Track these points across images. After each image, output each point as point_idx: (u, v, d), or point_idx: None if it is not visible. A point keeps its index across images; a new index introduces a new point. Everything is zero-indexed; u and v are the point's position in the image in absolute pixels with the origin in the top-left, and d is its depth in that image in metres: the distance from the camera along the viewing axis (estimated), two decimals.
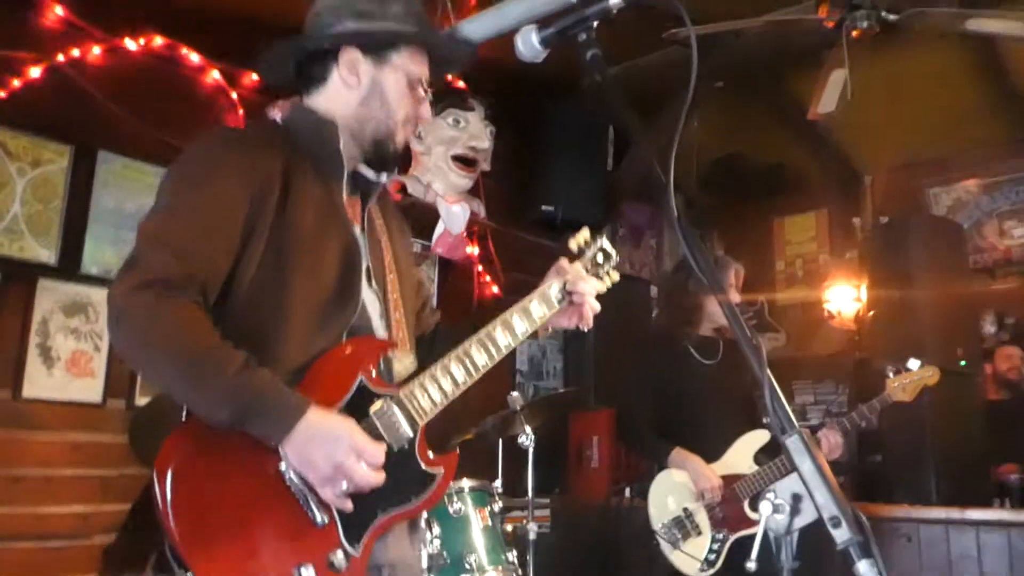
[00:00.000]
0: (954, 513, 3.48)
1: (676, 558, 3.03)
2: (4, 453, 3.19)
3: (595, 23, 1.38)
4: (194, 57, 3.82)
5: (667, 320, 3.45)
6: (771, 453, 3.03)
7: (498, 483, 3.17)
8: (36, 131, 3.39)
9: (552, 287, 1.74)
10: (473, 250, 4.89)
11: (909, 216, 4.59)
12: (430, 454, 1.54)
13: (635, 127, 1.33)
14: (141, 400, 3.52)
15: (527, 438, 3.26)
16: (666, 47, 4.31)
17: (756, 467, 3.06)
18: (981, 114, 5.14)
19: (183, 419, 1.39)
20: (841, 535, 1.03)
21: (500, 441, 3.65)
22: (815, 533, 1.12)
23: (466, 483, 2.93)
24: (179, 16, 3.72)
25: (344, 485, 1.37)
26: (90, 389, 3.43)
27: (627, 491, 4.41)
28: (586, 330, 1.80)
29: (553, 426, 4.10)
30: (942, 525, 3.48)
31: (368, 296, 1.59)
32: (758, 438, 3.10)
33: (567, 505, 4.55)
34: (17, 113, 3.32)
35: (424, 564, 2.66)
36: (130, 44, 3.64)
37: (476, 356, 1.60)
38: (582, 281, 1.75)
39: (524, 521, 3.32)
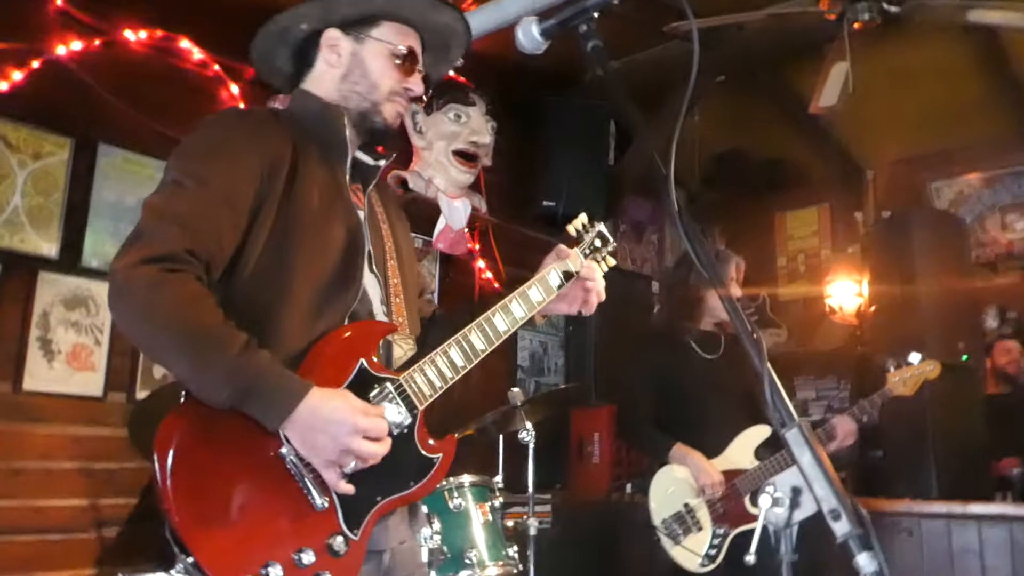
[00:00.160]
0: (956, 507, 3.47)
1: (677, 554, 3.03)
2: (4, 446, 3.19)
3: (595, 14, 1.37)
4: (194, 50, 3.81)
5: (668, 315, 3.45)
6: (772, 448, 3.03)
7: (499, 478, 3.17)
8: (37, 123, 3.39)
9: (551, 273, 1.74)
10: (474, 246, 4.89)
11: (911, 210, 4.58)
12: (429, 440, 1.54)
13: (636, 120, 1.33)
14: (142, 394, 3.52)
15: (527, 434, 3.26)
16: (667, 41, 4.30)
17: (757, 462, 3.05)
18: (983, 107, 5.13)
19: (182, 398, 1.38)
20: (841, 528, 1.02)
21: (501, 437, 3.64)
22: (815, 526, 1.11)
23: (467, 478, 2.93)
24: (179, 9, 3.72)
25: (352, 463, 1.37)
26: (91, 382, 3.43)
27: (628, 487, 4.41)
28: (587, 315, 1.81)
29: (554, 422, 4.11)
30: (943, 519, 3.48)
31: (369, 281, 1.60)
32: (759, 433, 3.10)
33: (568, 501, 4.55)
34: (18, 105, 3.32)
35: (424, 559, 2.65)
36: (130, 37, 3.63)
37: (475, 341, 1.60)
38: (591, 270, 1.77)
39: (525, 517, 3.32)
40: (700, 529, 3.04)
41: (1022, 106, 5.09)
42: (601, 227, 1.87)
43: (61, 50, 3.43)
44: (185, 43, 3.78)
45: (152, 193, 1.43)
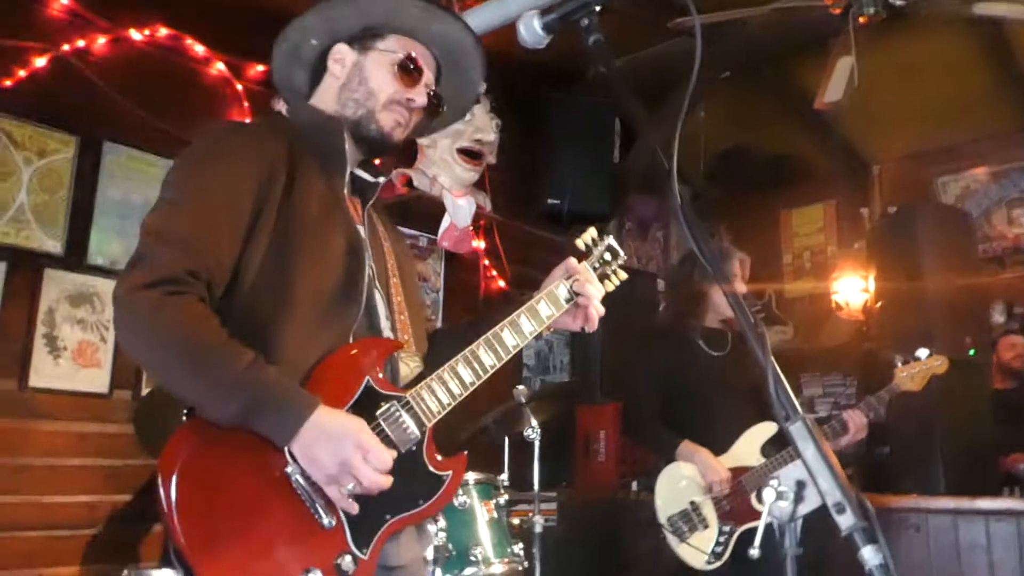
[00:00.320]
0: (963, 503, 3.46)
1: (683, 551, 3.02)
2: (10, 443, 3.21)
3: (597, 8, 1.37)
4: (199, 48, 3.82)
5: (674, 312, 3.44)
6: (779, 445, 3.02)
7: (504, 476, 3.16)
8: (42, 121, 3.40)
9: (560, 287, 1.72)
10: (479, 243, 4.88)
11: (917, 206, 4.55)
12: (438, 456, 1.52)
13: (639, 116, 1.32)
14: (147, 391, 3.53)
15: (532, 431, 3.26)
16: (672, 38, 4.29)
17: (763, 459, 3.04)
18: (989, 101, 5.10)
19: (184, 415, 1.37)
20: (845, 521, 1.02)
21: (506, 435, 3.64)
22: (820, 520, 1.11)
23: (471, 476, 2.93)
24: (184, 7, 3.73)
25: (351, 485, 1.35)
26: (96, 379, 3.44)
27: (634, 484, 4.40)
28: (590, 332, 1.79)
29: (560, 419, 4.10)
30: (951, 515, 3.46)
31: (375, 296, 1.58)
32: (766, 430, 3.09)
33: (574, 498, 4.54)
34: (23, 103, 3.33)
35: (429, 557, 2.65)
36: (135, 35, 3.64)
37: (484, 357, 1.59)
38: (589, 284, 1.74)
39: (531, 514, 3.31)
40: (706, 527, 3.03)
41: None
42: (611, 240, 1.86)
43: (67, 48, 3.44)
44: (191, 41, 3.79)
45: (150, 212, 1.43)
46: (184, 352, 1.33)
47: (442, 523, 2.75)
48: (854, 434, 3.03)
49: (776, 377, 1.07)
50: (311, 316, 1.45)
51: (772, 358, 1.09)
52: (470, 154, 4.62)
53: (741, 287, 3.24)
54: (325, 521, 1.37)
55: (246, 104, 3.95)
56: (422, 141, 4.57)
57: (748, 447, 3.09)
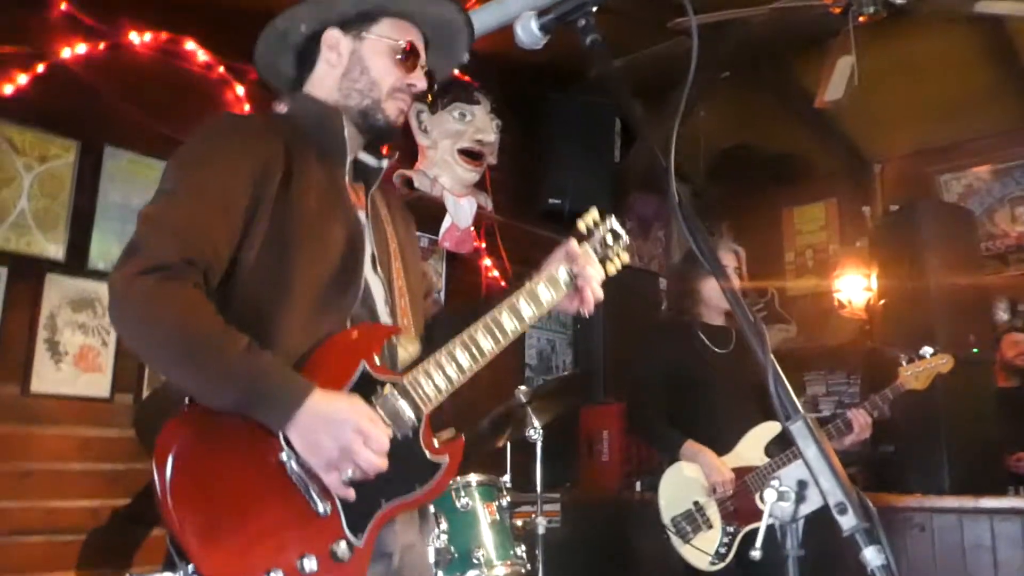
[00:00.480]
0: (968, 502, 3.45)
1: (687, 552, 3.01)
2: (13, 448, 3.21)
3: (594, 8, 1.36)
4: (200, 52, 3.82)
5: (675, 309, 3.43)
6: (783, 445, 3.01)
7: (507, 478, 3.15)
8: (42, 126, 3.40)
9: (560, 271, 1.71)
10: (480, 244, 4.88)
11: (919, 203, 4.53)
12: (435, 442, 1.51)
13: (637, 115, 1.32)
14: (148, 393, 3.53)
15: (535, 431, 3.25)
16: (672, 37, 4.29)
17: (768, 459, 3.03)
18: (991, 98, 5.09)
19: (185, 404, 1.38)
20: (847, 521, 1.01)
21: (508, 438, 3.63)
22: (822, 521, 1.10)
23: (473, 478, 2.92)
24: (184, 11, 3.73)
25: (350, 471, 1.35)
26: (98, 384, 3.44)
27: (637, 485, 4.39)
28: (587, 315, 1.76)
29: (563, 420, 4.09)
30: (956, 514, 3.45)
31: (373, 282, 1.58)
32: (770, 430, 3.08)
33: (577, 499, 4.53)
34: (23, 108, 3.33)
35: (431, 559, 2.64)
36: (135, 39, 3.64)
37: (482, 341, 1.57)
38: (589, 266, 1.72)
39: (533, 516, 3.31)
40: (710, 527, 3.02)
41: None
42: (613, 222, 1.83)
43: (66, 53, 3.45)
44: (190, 45, 3.79)
45: (147, 204, 1.43)
46: (179, 338, 1.33)
47: (444, 525, 2.75)
48: (858, 433, 3.02)
49: (776, 375, 1.06)
50: (308, 305, 1.45)
51: (772, 355, 1.09)
52: (471, 155, 4.62)
53: (735, 281, 3.21)
54: (320, 508, 1.37)
55: (247, 108, 3.95)
56: (423, 142, 4.57)
57: (752, 447, 3.08)
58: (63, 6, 3.45)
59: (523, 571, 2.90)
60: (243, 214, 1.43)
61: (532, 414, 3.27)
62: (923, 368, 3.04)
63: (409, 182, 4.48)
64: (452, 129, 4.57)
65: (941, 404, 3.69)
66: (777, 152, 6.04)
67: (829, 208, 6.23)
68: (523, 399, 3.27)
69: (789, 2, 3.69)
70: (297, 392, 1.34)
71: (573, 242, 1.74)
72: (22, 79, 3.32)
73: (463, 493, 2.87)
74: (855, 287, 5.72)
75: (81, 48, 3.49)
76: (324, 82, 1.63)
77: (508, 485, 3.09)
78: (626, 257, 1.84)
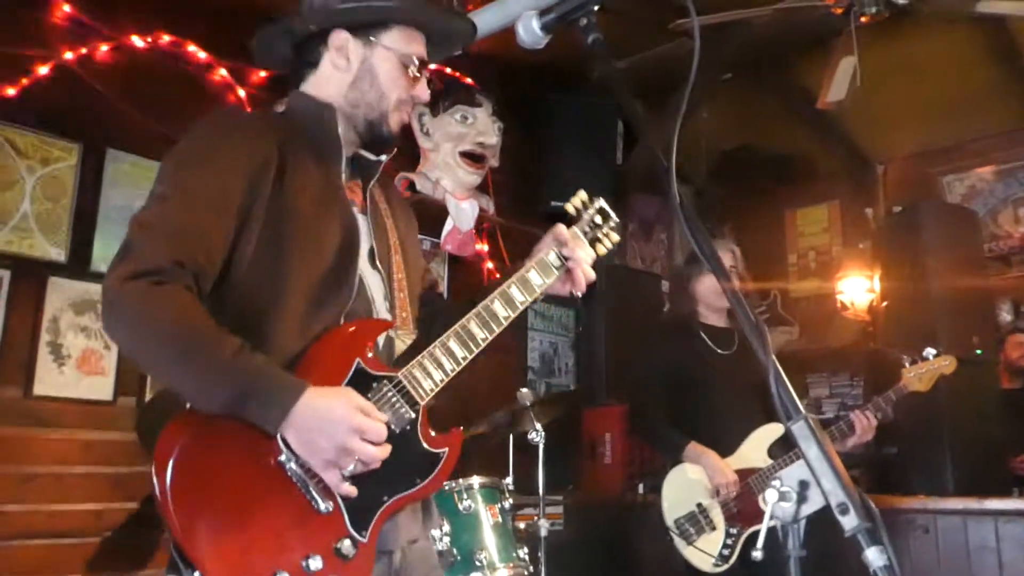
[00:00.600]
0: (972, 503, 3.44)
1: (690, 554, 3.01)
2: (16, 451, 3.21)
3: (596, 7, 1.36)
4: (201, 54, 3.82)
5: (677, 310, 3.43)
6: (786, 446, 3.00)
7: (509, 480, 3.15)
8: (45, 129, 3.41)
9: (551, 254, 1.70)
10: (482, 247, 4.88)
11: (922, 204, 4.52)
12: (433, 434, 1.51)
13: (639, 115, 1.32)
14: (150, 397, 3.53)
15: (537, 434, 3.25)
16: (675, 39, 4.29)
17: (771, 461, 3.02)
18: (994, 98, 5.08)
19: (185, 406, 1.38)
20: (849, 522, 1.01)
21: (511, 438, 3.63)
22: (824, 521, 1.09)
23: (476, 480, 2.92)
24: (186, 13, 3.74)
25: (351, 466, 1.35)
26: (101, 387, 3.44)
27: (640, 487, 4.38)
28: (578, 295, 1.75)
29: (565, 422, 4.08)
30: (960, 516, 3.44)
31: (372, 277, 1.58)
32: (773, 431, 3.06)
33: (580, 502, 4.53)
34: (26, 111, 3.34)
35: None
36: (138, 42, 3.65)
37: (475, 331, 1.57)
38: (578, 248, 1.72)
39: (536, 518, 3.30)
40: (713, 529, 3.02)
41: None
42: (601, 203, 1.82)
43: (69, 56, 3.45)
44: (193, 48, 3.80)
45: (140, 208, 1.43)
46: (170, 341, 1.33)
47: (447, 527, 2.75)
48: (860, 435, 3.01)
49: (777, 375, 1.06)
50: (303, 305, 1.45)
51: (773, 355, 1.08)
52: (472, 157, 4.61)
53: (732, 278, 3.21)
54: (322, 506, 1.37)
55: (249, 110, 3.95)
56: (425, 145, 4.57)
57: (755, 448, 3.07)
58: (65, 8, 3.46)
59: (525, 573, 2.90)
60: (237, 214, 1.43)
61: (534, 417, 3.27)
62: (926, 370, 3.03)
63: (411, 185, 4.47)
64: (454, 132, 4.57)
65: (945, 405, 3.68)
66: (779, 153, 6.03)
67: (832, 210, 6.22)
68: (525, 402, 3.27)
69: (791, 3, 3.69)
70: (290, 393, 1.34)
71: (561, 226, 1.74)
72: (25, 82, 3.33)
73: (465, 495, 2.87)
74: (858, 289, 5.71)
75: (84, 51, 3.49)
76: (329, 84, 1.61)
77: (511, 487, 3.09)
78: (616, 237, 1.83)
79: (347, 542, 1.38)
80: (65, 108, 3.46)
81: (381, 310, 1.58)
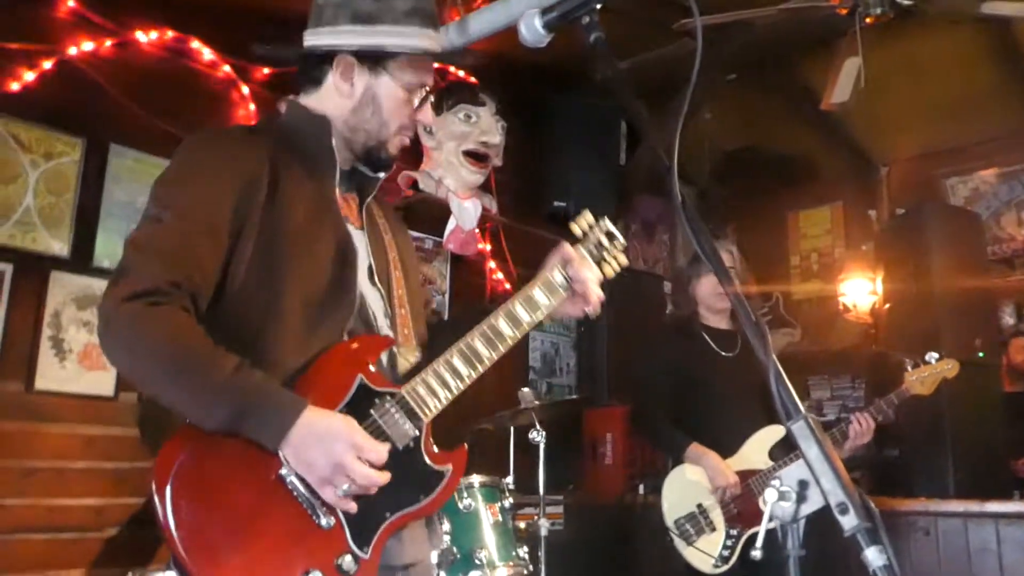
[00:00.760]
0: (973, 506, 3.44)
1: (690, 555, 3.00)
2: (17, 446, 3.21)
3: (598, 6, 1.36)
4: (205, 51, 3.83)
5: (680, 311, 3.43)
6: (787, 448, 3.00)
7: (510, 479, 3.15)
8: (48, 124, 3.41)
9: (555, 274, 1.68)
10: (485, 246, 4.88)
11: (925, 206, 4.51)
12: (436, 451, 1.50)
13: (641, 115, 1.31)
14: None
15: (538, 434, 3.25)
16: (679, 39, 4.28)
17: (771, 462, 3.02)
18: (998, 101, 5.07)
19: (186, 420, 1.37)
20: (849, 522, 1.00)
21: (512, 437, 3.63)
22: (823, 521, 1.09)
23: (476, 479, 2.92)
24: (190, 9, 3.74)
25: (346, 486, 1.34)
26: (102, 382, 3.44)
27: (641, 487, 4.38)
28: (592, 316, 1.73)
29: (566, 422, 4.09)
30: (960, 518, 3.44)
31: (371, 294, 1.57)
32: (774, 433, 3.06)
33: (580, 501, 4.53)
34: (30, 106, 3.34)
35: (434, 560, 2.64)
36: (141, 37, 3.65)
37: (480, 349, 1.55)
38: (584, 268, 1.69)
39: (536, 518, 3.31)
40: (713, 530, 3.01)
41: None
42: (608, 224, 1.79)
43: (73, 51, 3.45)
44: (196, 44, 3.80)
45: (134, 229, 1.43)
46: (167, 361, 1.33)
47: (447, 526, 2.75)
48: (855, 438, 3.01)
49: (777, 374, 1.05)
50: (301, 321, 1.44)
51: (774, 355, 1.08)
52: (476, 156, 4.61)
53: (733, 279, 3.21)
54: (323, 522, 1.36)
55: (252, 107, 3.96)
56: (428, 144, 4.57)
57: (756, 450, 3.07)
58: (70, 3, 3.46)
59: (525, 573, 2.90)
60: (229, 233, 1.42)
61: (535, 416, 3.27)
62: (929, 373, 3.03)
63: (414, 184, 4.48)
64: (457, 131, 4.57)
65: (946, 408, 3.68)
66: (782, 154, 6.02)
67: (835, 211, 6.22)
68: (526, 402, 3.27)
69: (795, 3, 3.68)
70: (289, 410, 1.34)
71: (566, 244, 1.72)
72: (29, 76, 3.33)
73: (466, 494, 2.88)
74: (860, 291, 5.70)
75: (88, 46, 3.50)
76: (328, 106, 1.58)
77: (511, 487, 3.09)
78: (623, 259, 1.80)
79: (348, 558, 1.37)
80: (69, 103, 3.46)
81: (382, 327, 1.57)
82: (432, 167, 4.56)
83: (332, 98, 1.58)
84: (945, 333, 3.79)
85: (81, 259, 3.45)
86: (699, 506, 3.04)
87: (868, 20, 3.52)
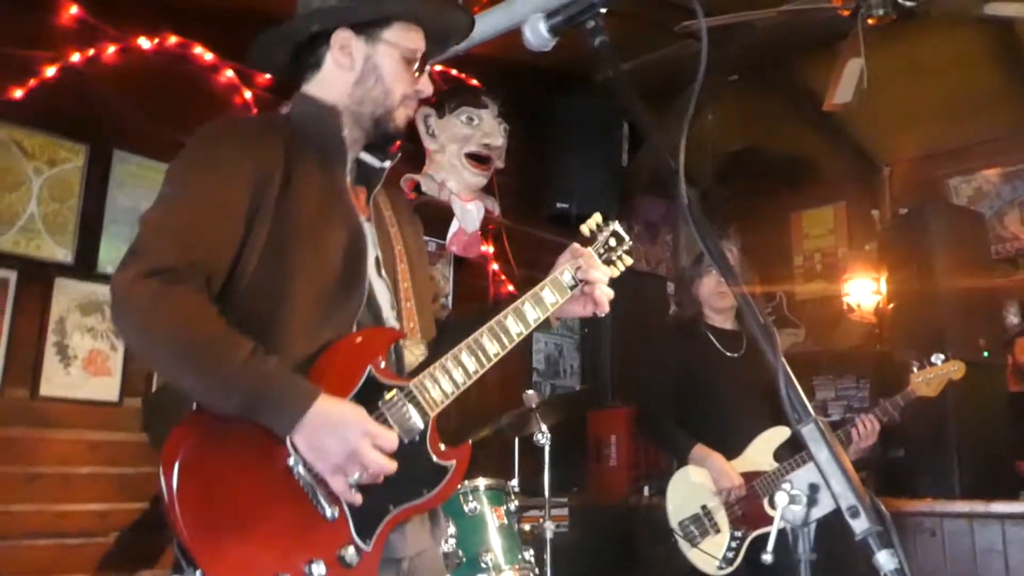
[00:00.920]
0: (978, 507, 3.43)
1: (694, 556, 3.00)
2: (22, 451, 3.21)
3: (603, 10, 1.36)
4: (208, 56, 3.83)
5: (684, 312, 3.43)
6: (792, 450, 3.00)
7: (515, 482, 3.15)
8: (52, 130, 3.42)
9: (564, 273, 1.71)
10: (488, 248, 4.88)
11: (928, 206, 4.51)
12: (442, 446, 1.51)
13: (644, 117, 1.31)
14: (156, 387, 3.54)
15: (543, 436, 3.25)
16: (681, 40, 4.28)
17: (776, 464, 3.02)
18: (1001, 101, 5.07)
19: (193, 407, 1.37)
20: (860, 525, 1.00)
21: (517, 440, 3.63)
22: (834, 524, 1.09)
23: (481, 482, 2.92)
24: (193, 15, 3.74)
25: (357, 474, 1.35)
26: (107, 388, 3.44)
27: (645, 489, 4.38)
28: (602, 316, 1.76)
29: (571, 424, 4.08)
30: (966, 519, 3.43)
31: (378, 286, 1.58)
32: (779, 435, 3.06)
33: (585, 504, 4.53)
34: (33, 112, 3.35)
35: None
36: (144, 43, 3.65)
37: (488, 345, 1.57)
38: (593, 268, 1.72)
39: (541, 520, 3.30)
40: (718, 531, 3.01)
41: None
42: (616, 226, 1.83)
43: (76, 57, 3.46)
44: (199, 49, 3.81)
45: (148, 209, 1.43)
46: (183, 343, 1.33)
47: (452, 529, 2.75)
48: (858, 441, 3.01)
49: (787, 377, 1.05)
50: (311, 311, 1.45)
51: (783, 357, 1.08)
52: (478, 159, 4.61)
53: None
54: (328, 512, 1.37)
55: (255, 111, 3.96)
56: (430, 146, 4.58)
57: (761, 451, 3.07)
58: (73, 10, 3.47)
59: (531, 575, 2.90)
60: (243, 219, 1.42)
61: (539, 419, 3.27)
62: (935, 375, 3.02)
63: (417, 186, 4.48)
64: (460, 133, 4.57)
65: (952, 408, 3.67)
66: (785, 155, 6.02)
67: (838, 211, 6.21)
68: (531, 404, 3.27)
69: (798, 4, 3.68)
70: (303, 397, 1.34)
71: (577, 244, 1.75)
72: (32, 83, 3.34)
73: (471, 497, 2.88)
74: (864, 291, 5.69)
75: (91, 52, 3.50)
76: (334, 85, 1.60)
77: (516, 489, 3.09)
78: (629, 260, 1.84)
79: (351, 549, 1.38)
80: (72, 109, 3.47)
81: (389, 319, 1.58)
82: (435, 170, 4.56)
83: (335, 76, 1.60)
84: (949, 333, 3.79)
85: (85, 265, 3.46)
86: (704, 508, 3.04)
87: (870, 21, 3.52)
